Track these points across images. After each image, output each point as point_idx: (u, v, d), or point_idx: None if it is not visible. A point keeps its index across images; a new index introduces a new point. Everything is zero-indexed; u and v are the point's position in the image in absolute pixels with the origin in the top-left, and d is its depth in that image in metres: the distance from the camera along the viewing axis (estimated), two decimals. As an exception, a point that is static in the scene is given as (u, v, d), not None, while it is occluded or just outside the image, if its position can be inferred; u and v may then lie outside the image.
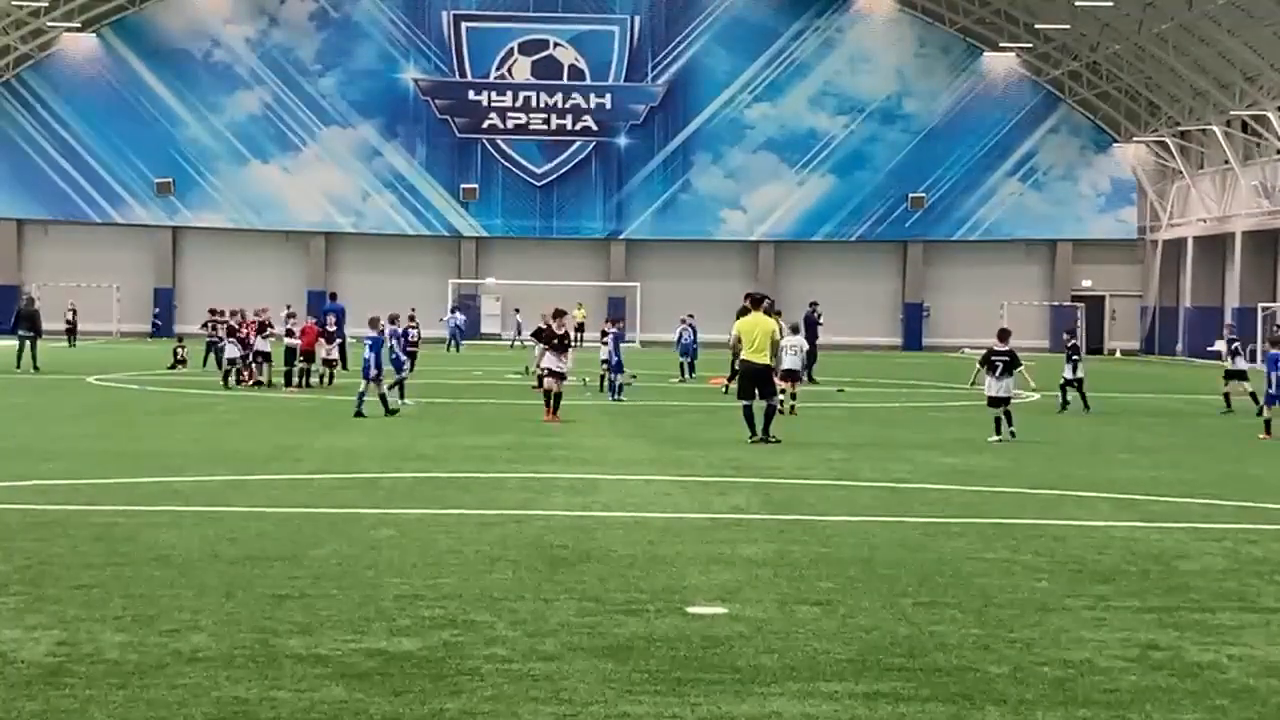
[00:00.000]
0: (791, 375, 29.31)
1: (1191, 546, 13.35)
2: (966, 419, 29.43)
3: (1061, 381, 31.38)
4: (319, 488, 16.69)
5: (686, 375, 41.15)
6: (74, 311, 61.56)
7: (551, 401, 26.90)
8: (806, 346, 30.76)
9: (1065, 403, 31.29)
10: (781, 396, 29.67)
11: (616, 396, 32.55)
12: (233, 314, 37.10)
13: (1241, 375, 31.79)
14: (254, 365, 35.63)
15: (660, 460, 20.11)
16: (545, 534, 13.39)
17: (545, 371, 27.69)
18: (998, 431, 24.10)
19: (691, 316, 43.86)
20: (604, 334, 35.99)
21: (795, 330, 30.95)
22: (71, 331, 59.98)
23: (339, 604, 10.21)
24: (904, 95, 74.93)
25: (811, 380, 39.79)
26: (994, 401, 24.40)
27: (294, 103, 73.53)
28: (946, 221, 74.79)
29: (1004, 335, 25.61)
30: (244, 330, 35.76)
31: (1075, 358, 31.36)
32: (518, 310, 68.20)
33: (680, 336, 42.63)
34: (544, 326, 28.98)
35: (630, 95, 74.48)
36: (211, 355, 40.46)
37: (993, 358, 24.64)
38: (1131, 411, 32.05)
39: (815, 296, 53.10)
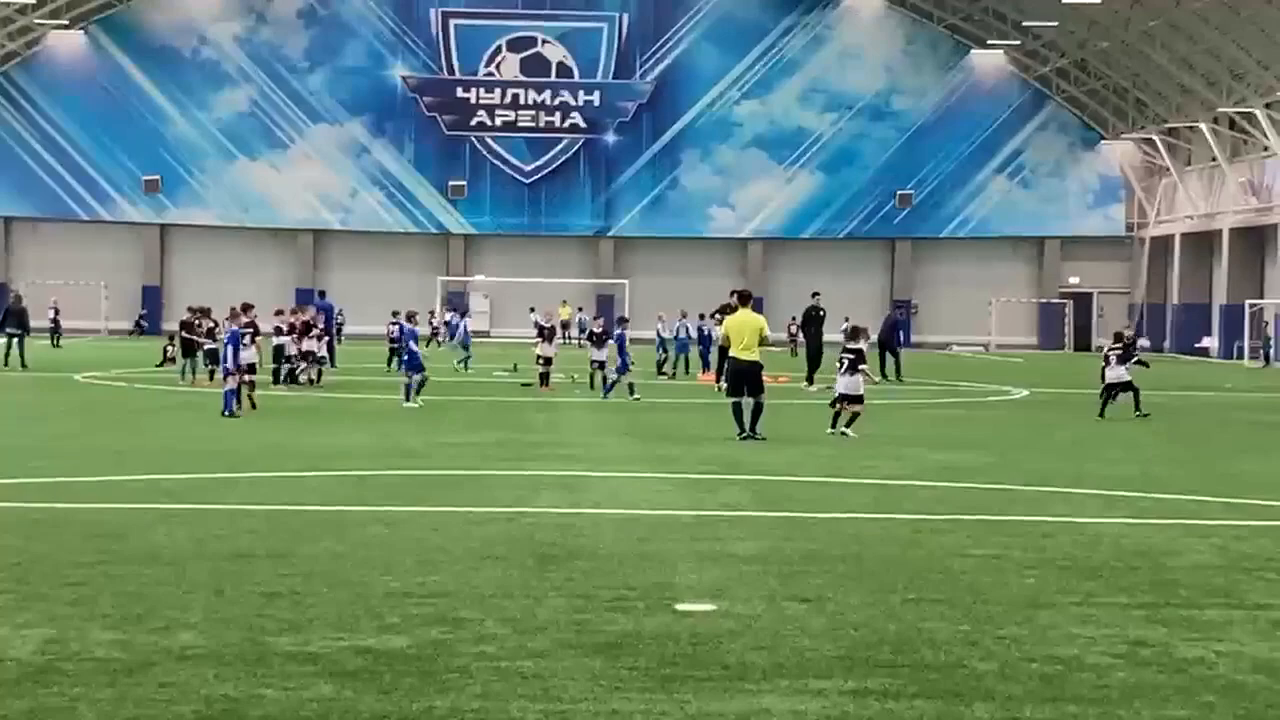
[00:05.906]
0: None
1: (1180, 543, 13.37)
2: (955, 416, 29.48)
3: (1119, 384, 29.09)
4: (308, 485, 16.66)
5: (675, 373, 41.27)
6: (56, 310, 59.36)
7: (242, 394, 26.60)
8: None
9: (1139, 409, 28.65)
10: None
11: (606, 394, 32.54)
12: (203, 311, 36.70)
13: None
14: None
15: (650, 457, 20.10)
16: (535, 531, 13.38)
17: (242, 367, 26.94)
18: (833, 425, 23.89)
19: (661, 320, 43.97)
20: (590, 333, 36.19)
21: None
22: (55, 330, 57.78)
23: (328, 602, 10.20)
24: (892, 92, 75.00)
25: (899, 380, 39.73)
26: (844, 398, 24.04)
27: (282, 100, 73.44)
28: (934, 219, 74.87)
29: (854, 334, 25.24)
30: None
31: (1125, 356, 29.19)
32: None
33: (676, 334, 42.79)
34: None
35: (619, 92, 74.47)
36: (199, 355, 35.98)
37: (843, 354, 24.36)
38: (1120, 408, 32.08)
39: (808, 292, 52.95)
